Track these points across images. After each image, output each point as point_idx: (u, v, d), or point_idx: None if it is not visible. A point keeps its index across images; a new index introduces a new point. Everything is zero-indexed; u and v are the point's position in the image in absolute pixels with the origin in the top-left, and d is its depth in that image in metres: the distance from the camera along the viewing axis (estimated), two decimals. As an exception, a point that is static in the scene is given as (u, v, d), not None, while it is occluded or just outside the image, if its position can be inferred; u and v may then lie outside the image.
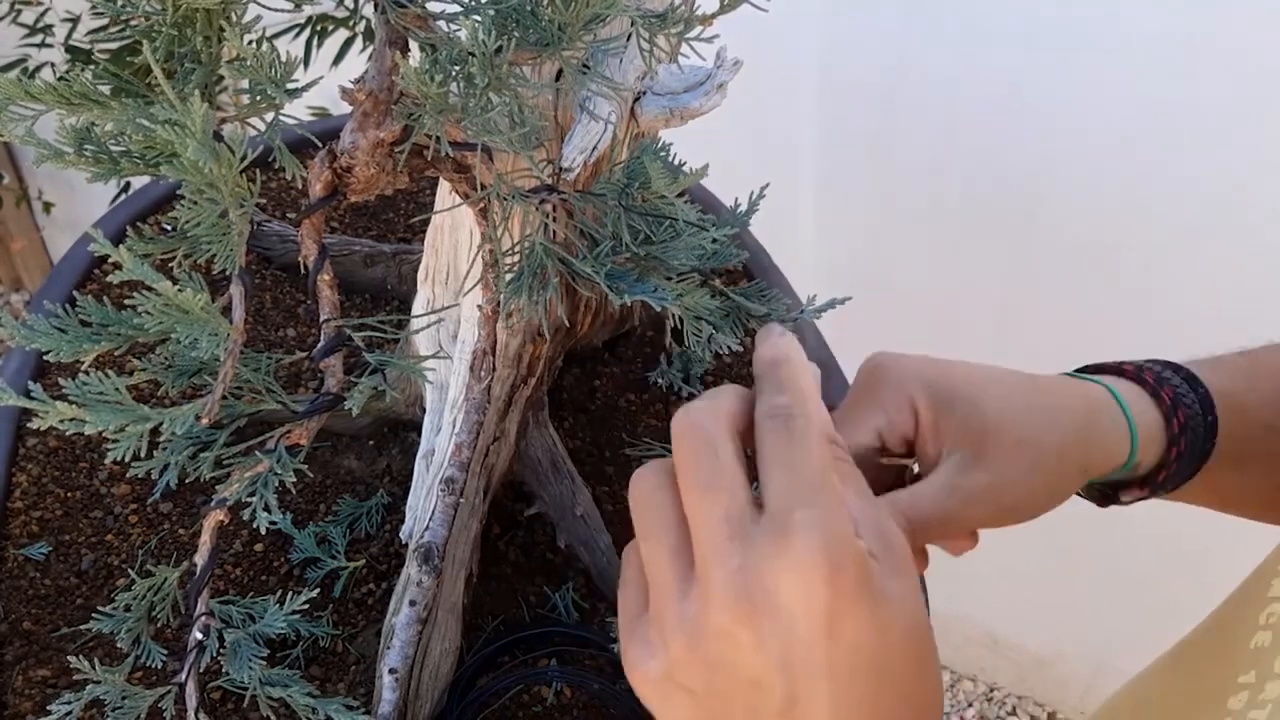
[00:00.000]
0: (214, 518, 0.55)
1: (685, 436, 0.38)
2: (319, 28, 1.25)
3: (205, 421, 0.49)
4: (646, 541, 0.38)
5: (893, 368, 0.50)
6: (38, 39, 1.43)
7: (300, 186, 1.06)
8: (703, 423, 0.38)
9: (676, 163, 0.55)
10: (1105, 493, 0.58)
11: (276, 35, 1.22)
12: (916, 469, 0.51)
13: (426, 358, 0.60)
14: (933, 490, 0.48)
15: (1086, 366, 0.57)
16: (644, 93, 0.61)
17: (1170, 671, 0.51)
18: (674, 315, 0.51)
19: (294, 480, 0.51)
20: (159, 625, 0.69)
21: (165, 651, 0.62)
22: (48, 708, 0.60)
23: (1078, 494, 0.61)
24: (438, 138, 0.43)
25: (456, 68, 0.41)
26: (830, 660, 0.35)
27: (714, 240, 0.52)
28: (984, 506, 0.48)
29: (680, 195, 0.51)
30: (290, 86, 0.43)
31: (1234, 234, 1.20)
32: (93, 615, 0.62)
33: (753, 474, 0.38)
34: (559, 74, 0.60)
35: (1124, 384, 0.54)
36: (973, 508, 0.48)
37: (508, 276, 0.50)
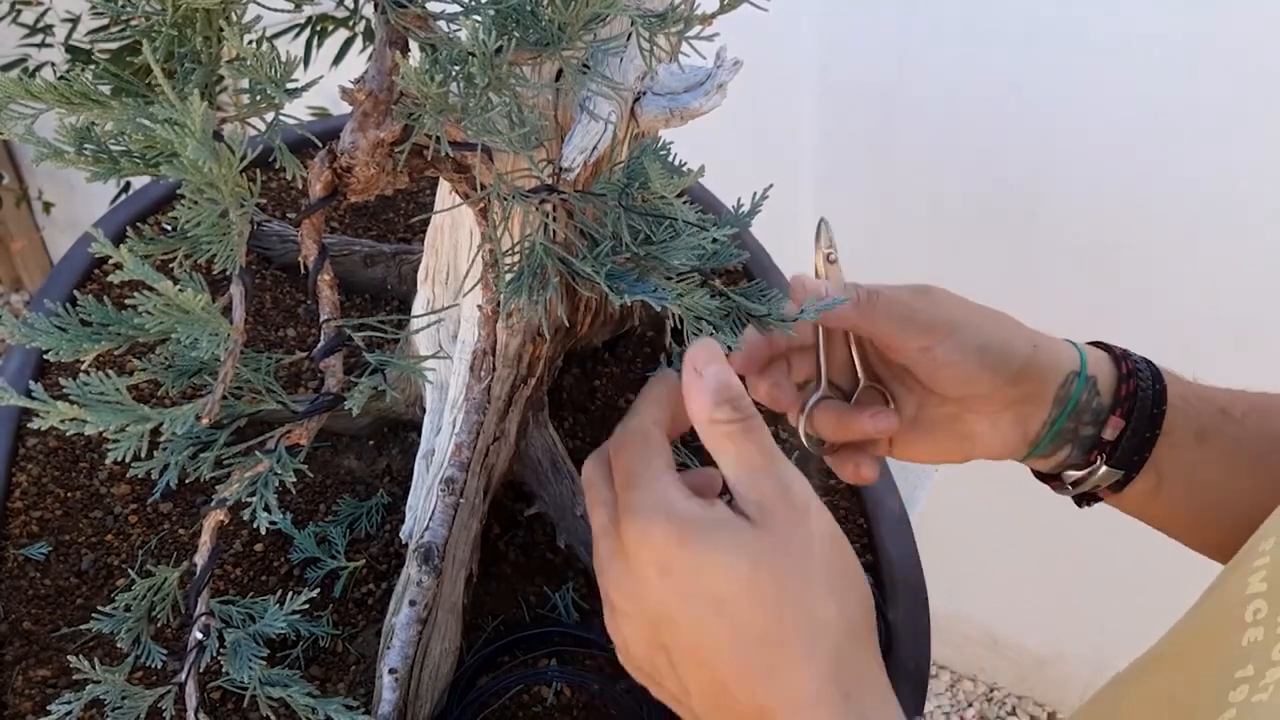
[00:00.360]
0: (214, 518, 0.55)
1: (583, 478, 0.50)
2: (319, 28, 1.25)
3: (205, 421, 0.49)
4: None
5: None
6: (38, 39, 1.43)
7: (300, 186, 1.06)
8: (587, 468, 0.50)
9: (676, 163, 0.55)
10: (1074, 463, 0.61)
11: (276, 35, 1.22)
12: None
13: (426, 358, 0.60)
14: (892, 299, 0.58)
15: None
16: (644, 92, 0.61)
17: (1151, 679, 0.51)
18: (674, 315, 0.51)
19: (294, 480, 0.51)
20: (159, 625, 0.69)
21: (165, 651, 0.62)
22: (47, 708, 0.60)
23: (1043, 474, 0.61)
24: (438, 138, 0.43)
25: (456, 68, 0.41)
26: (675, 607, 0.43)
27: (714, 240, 0.52)
28: (929, 336, 0.57)
29: (680, 195, 0.51)
30: (290, 86, 0.43)
31: (1234, 234, 1.20)
32: (93, 615, 0.62)
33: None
34: (559, 74, 0.60)
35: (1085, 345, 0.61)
36: (921, 333, 0.56)
37: (507, 276, 0.50)
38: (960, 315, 0.57)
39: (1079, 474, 0.61)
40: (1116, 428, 0.59)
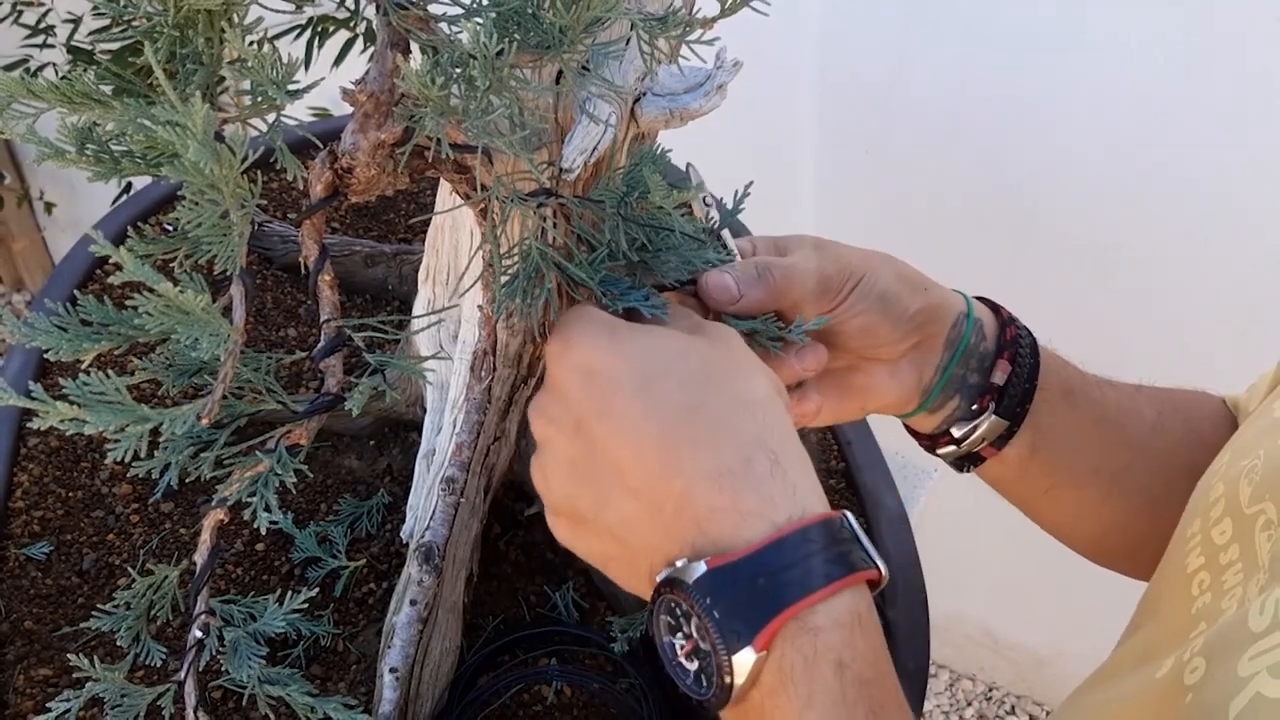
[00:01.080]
0: (214, 516, 0.55)
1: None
2: (320, 29, 1.25)
3: (206, 421, 0.49)
4: None
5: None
6: (40, 39, 1.43)
7: (301, 187, 1.06)
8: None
9: (674, 161, 0.56)
10: (962, 415, 0.61)
11: (278, 36, 1.22)
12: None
13: (427, 358, 0.61)
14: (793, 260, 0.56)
15: None
16: (644, 94, 0.61)
17: (1107, 684, 0.53)
18: None
19: (294, 480, 0.51)
20: (159, 624, 0.70)
21: (165, 650, 0.62)
22: (47, 705, 0.60)
23: (925, 436, 0.62)
24: (438, 139, 0.43)
25: (458, 70, 0.41)
26: (597, 401, 0.43)
27: (705, 261, 0.52)
28: (826, 278, 0.56)
29: (678, 207, 0.51)
30: (291, 87, 0.44)
31: (1235, 234, 1.20)
32: (93, 613, 0.62)
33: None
34: (559, 76, 0.60)
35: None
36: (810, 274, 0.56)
37: (504, 278, 0.50)
38: (861, 265, 0.57)
39: (965, 428, 0.61)
40: (1004, 371, 0.59)
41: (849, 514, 0.42)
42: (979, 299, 0.63)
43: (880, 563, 0.41)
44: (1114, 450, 0.61)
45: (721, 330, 0.47)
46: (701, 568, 0.39)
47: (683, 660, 0.40)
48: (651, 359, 0.43)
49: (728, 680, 0.38)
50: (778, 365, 0.57)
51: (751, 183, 0.58)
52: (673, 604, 0.40)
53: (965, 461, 0.63)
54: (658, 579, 0.41)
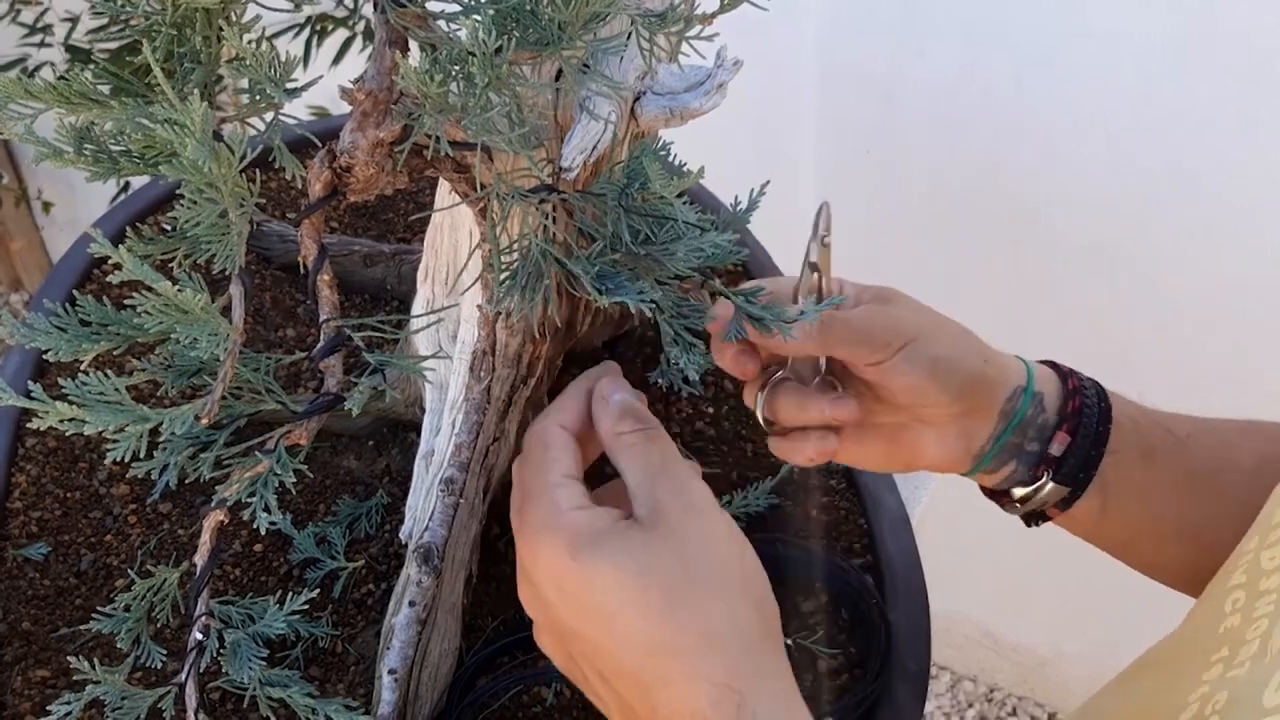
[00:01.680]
0: (214, 518, 0.55)
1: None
2: (318, 27, 1.25)
3: (205, 422, 0.49)
4: None
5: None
6: (37, 39, 1.43)
7: (300, 186, 1.06)
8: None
9: (676, 162, 0.55)
10: (1021, 479, 0.61)
11: (276, 35, 1.22)
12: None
13: (426, 358, 0.60)
14: (857, 313, 0.58)
15: None
16: (644, 92, 0.61)
17: (1136, 677, 0.52)
18: (655, 318, 0.51)
19: (294, 481, 0.51)
20: (158, 626, 0.69)
21: (165, 652, 0.62)
22: (47, 708, 0.60)
23: (992, 491, 0.62)
24: (437, 137, 0.43)
25: (456, 67, 0.41)
26: (572, 620, 0.44)
27: (714, 245, 0.52)
28: (890, 338, 0.57)
29: (680, 196, 0.51)
30: (290, 86, 0.43)
31: (1236, 235, 1.20)
32: (93, 616, 0.62)
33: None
34: (559, 73, 0.60)
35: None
36: (880, 333, 0.57)
37: (502, 276, 0.50)
38: (915, 327, 0.57)
39: (1025, 490, 0.61)
40: (1063, 443, 0.59)
41: None
42: (1047, 363, 0.63)
43: None
44: (1201, 506, 0.60)
45: (690, 524, 0.45)
46: None
47: None
48: (613, 589, 0.43)
49: None
50: (809, 403, 0.58)
51: (768, 182, 0.58)
52: None
53: (1031, 519, 0.63)
54: None
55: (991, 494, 0.64)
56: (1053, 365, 0.63)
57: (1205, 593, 0.51)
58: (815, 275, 0.58)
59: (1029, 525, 0.64)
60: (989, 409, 0.59)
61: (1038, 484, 0.60)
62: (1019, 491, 0.61)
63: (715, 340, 0.60)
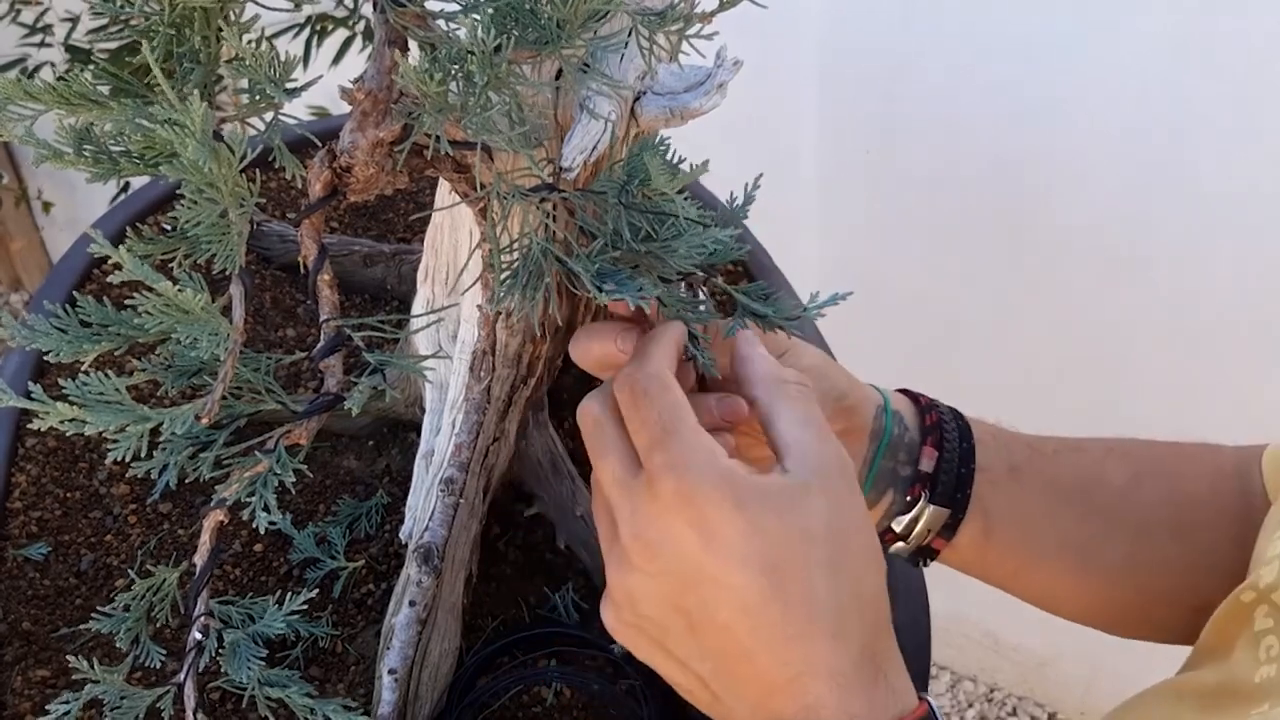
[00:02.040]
0: (214, 518, 0.55)
1: (580, 420, 0.48)
2: (318, 27, 1.25)
3: (205, 421, 0.49)
4: (592, 497, 0.47)
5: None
6: (37, 39, 1.43)
7: (300, 186, 1.06)
8: (590, 407, 0.47)
9: (676, 161, 0.55)
10: (900, 508, 0.60)
11: (276, 35, 1.22)
12: None
13: (426, 357, 0.60)
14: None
15: None
16: (644, 92, 0.61)
17: (1168, 710, 0.52)
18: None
19: (294, 480, 0.51)
20: (158, 625, 0.69)
21: (164, 652, 0.62)
22: (46, 708, 0.60)
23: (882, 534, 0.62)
24: (437, 137, 0.43)
25: (456, 66, 0.41)
26: (717, 567, 0.41)
27: (715, 240, 0.52)
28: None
29: (680, 192, 0.51)
30: (290, 86, 0.43)
31: (1237, 236, 1.20)
32: (92, 615, 0.62)
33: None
34: (559, 73, 0.60)
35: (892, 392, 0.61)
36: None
37: (502, 275, 0.50)
38: (786, 342, 0.56)
39: (906, 518, 0.59)
40: (931, 458, 0.58)
41: (932, 702, 0.44)
42: (898, 391, 0.62)
43: None
44: (1077, 522, 0.59)
45: (850, 495, 0.44)
46: None
47: None
48: (778, 542, 0.42)
49: None
50: (698, 402, 0.53)
51: (761, 175, 0.58)
52: None
53: (919, 556, 0.62)
54: None
55: (883, 536, 0.62)
56: (900, 391, 0.62)
57: (1223, 623, 0.50)
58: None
59: (917, 565, 0.62)
60: (860, 431, 0.58)
61: (916, 507, 0.58)
62: (901, 522, 0.59)
63: (581, 337, 0.54)
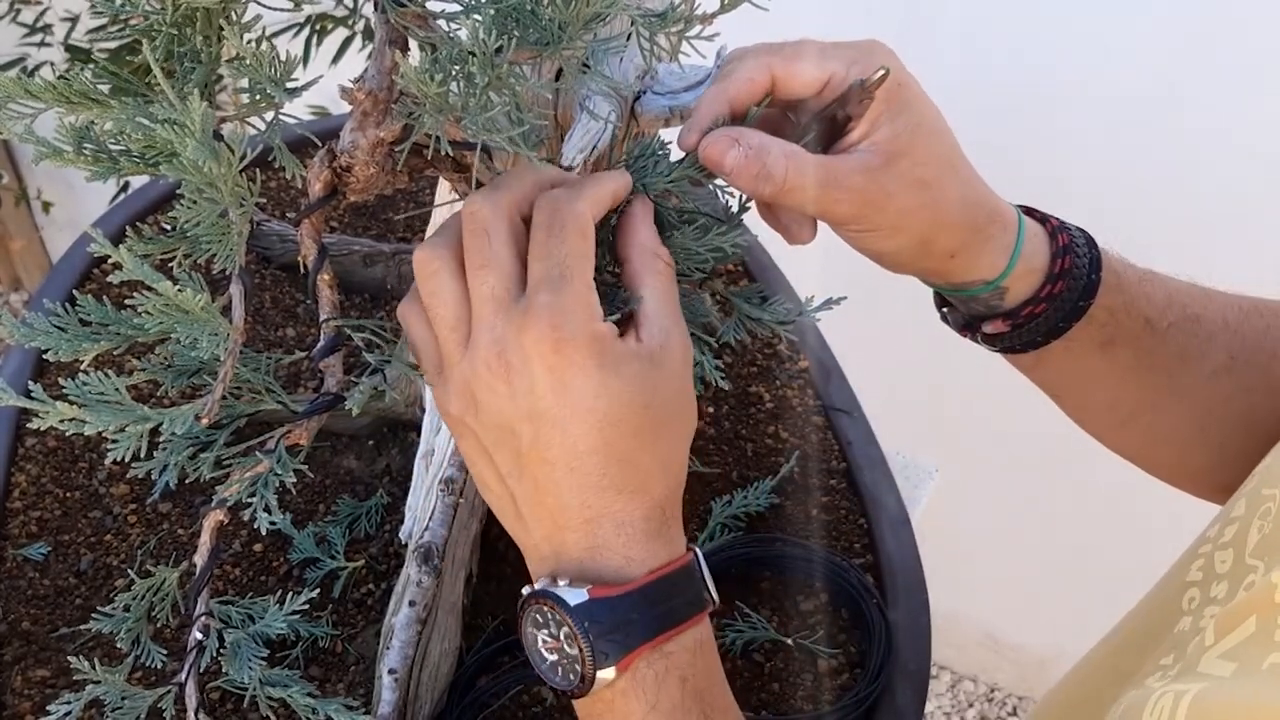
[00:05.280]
0: (214, 518, 0.55)
1: (467, 222, 0.46)
2: (318, 27, 1.25)
3: (205, 421, 0.49)
4: (432, 315, 0.47)
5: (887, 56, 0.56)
6: (37, 38, 1.43)
7: (300, 186, 1.06)
8: (481, 211, 0.46)
9: (675, 161, 0.55)
10: (971, 314, 0.59)
11: (276, 34, 1.22)
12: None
13: (426, 357, 0.60)
14: (848, 160, 0.52)
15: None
16: (644, 92, 0.61)
17: (1099, 664, 0.53)
18: None
19: (294, 480, 0.51)
20: (158, 625, 0.69)
21: (164, 652, 0.62)
22: (47, 708, 0.60)
23: (947, 315, 0.61)
24: (437, 137, 0.43)
25: (456, 67, 0.41)
26: (560, 414, 0.44)
27: (719, 236, 0.52)
28: (873, 185, 0.52)
29: (679, 192, 0.51)
30: (290, 85, 0.43)
31: (1239, 237, 1.20)
32: (93, 615, 0.62)
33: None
34: (559, 73, 0.60)
35: (1030, 220, 0.59)
36: (861, 179, 0.52)
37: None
38: (913, 208, 0.53)
39: (970, 334, 0.60)
40: (1001, 327, 0.58)
41: (698, 550, 0.49)
42: (1052, 235, 0.59)
43: (715, 595, 0.48)
44: (1142, 396, 0.60)
45: (679, 359, 0.47)
46: (584, 595, 0.45)
47: (543, 650, 0.47)
48: (618, 406, 0.45)
49: (587, 685, 0.45)
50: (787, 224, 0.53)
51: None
52: (547, 611, 0.46)
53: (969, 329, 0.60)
54: (535, 586, 0.47)
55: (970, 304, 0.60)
56: (1052, 236, 0.59)
57: (1171, 570, 0.51)
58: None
59: (962, 333, 0.61)
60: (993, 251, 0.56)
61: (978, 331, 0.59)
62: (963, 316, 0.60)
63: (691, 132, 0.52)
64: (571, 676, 0.46)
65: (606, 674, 0.45)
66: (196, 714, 0.57)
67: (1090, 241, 0.59)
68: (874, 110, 0.51)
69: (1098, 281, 0.57)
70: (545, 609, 0.46)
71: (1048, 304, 0.57)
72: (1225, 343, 0.60)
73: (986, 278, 0.57)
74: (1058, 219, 0.60)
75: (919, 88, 0.55)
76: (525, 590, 0.47)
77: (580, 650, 0.45)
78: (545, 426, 0.45)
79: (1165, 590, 0.51)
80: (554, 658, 0.47)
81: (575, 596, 0.45)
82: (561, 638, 0.46)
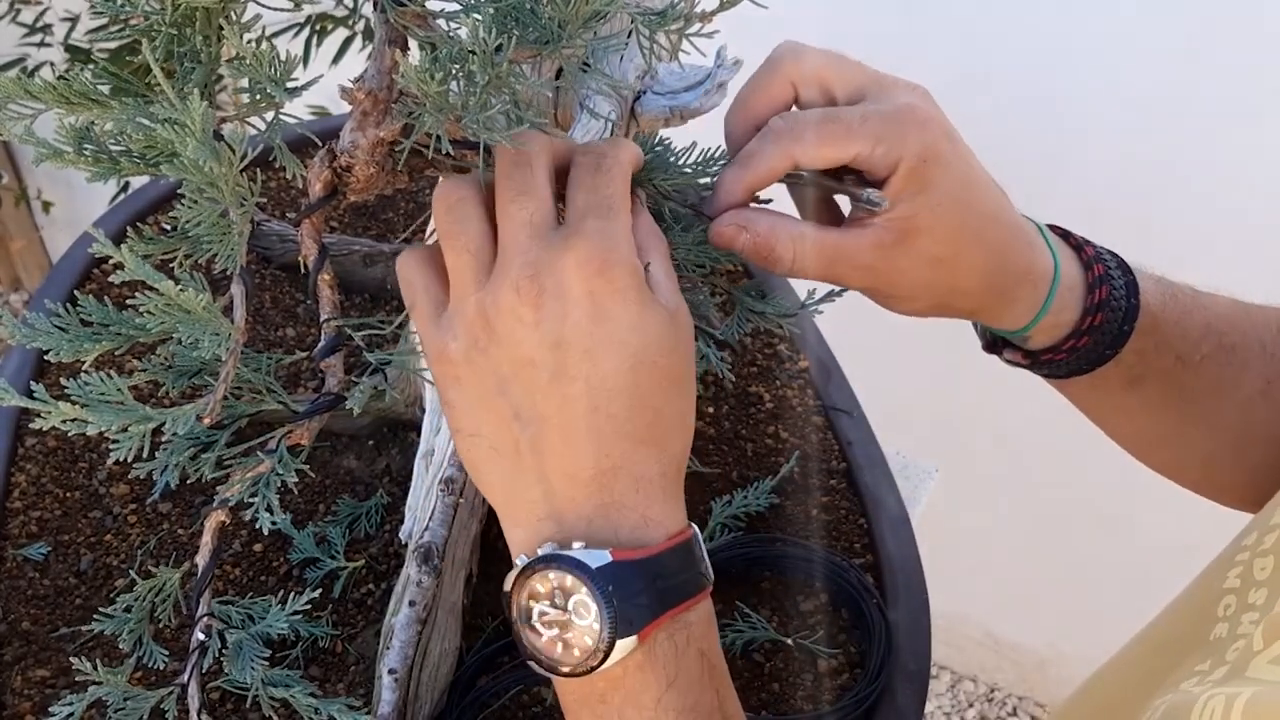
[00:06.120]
0: (215, 518, 0.55)
1: (506, 153, 0.45)
2: (318, 26, 1.25)
3: (207, 421, 0.49)
4: (451, 245, 0.44)
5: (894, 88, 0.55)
6: (37, 38, 1.43)
7: (300, 186, 1.06)
8: (528, 145, 0.45)
9: (675, 161, 0.55)
10: (994, 337, 0.58)
11: (276, 34, 1.22)
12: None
13: (427, 357, 0.60)
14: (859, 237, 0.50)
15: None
16: (644, 91, 0.61)
17: (1129, 668, 0.53)
18: None
19: (295, 480, 0.51)
20: (159, 626, 0.69)
21: (166, 652, 0.62)
22: (49, 709, 0.60)
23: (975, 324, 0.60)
24: (437, 136, 0.43)
25: (456, 66, 0.41)
26: (593, 343, 0.42)
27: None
28: (894, 250, 0.50)
29: (680, 191, 0.51)
30: (290, 85, 0.43)
31: (1239, 237, 1.20)
32: (94, 616, 0.62)
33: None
34: (559, 72, 0.60)
35: (1067, 270, 0.55)
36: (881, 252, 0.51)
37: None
38: (932, 271, 0.51)
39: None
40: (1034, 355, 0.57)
41: (697, 531, 0.46)
42: (1088, 266, 0.57)
43: (711, 573, 0.46)
44: (1181, 430, 0.59)
45: (687, 327, 0.47)
46: (606, 557, 0.42)
47: (538, 626, 0.43)
48: (654, 345, 0.43)
49: (599, 658, 0.41)
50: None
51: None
52: (552, 578, 0.42)
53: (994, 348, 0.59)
54: (540, 551, 0.43)
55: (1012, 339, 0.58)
56: (1088, 268, 0.56)
57: (1203, 576, 0.51)
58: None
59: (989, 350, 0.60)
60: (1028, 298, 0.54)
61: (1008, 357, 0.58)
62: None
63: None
64: (576, 652, 0.42)
65: (627, 643, 0.41)
66: (199, 714, 0.57)
67: (1131, 288, 0.56)
68: (894, 186, 0.49)
69: (1129, 333, 0.55)
70: (552, 575, 0.42)
71: (1068, 355, 0.56)
72: (1261, 369, 0.58)
73: (1009, 329, 0.56)
74: (1104, 267, 0.56)
75: (955, 153, 0.52)
76: (520, 561, 0.44)
77: (595, 619, 0.41)
78: (574, 356, 0.42)
79: (1197, 597, 0.50)
80: (553, 632, 0.43)
81: (597, 559, 0.41)
82: (570, 607, 0.42)
